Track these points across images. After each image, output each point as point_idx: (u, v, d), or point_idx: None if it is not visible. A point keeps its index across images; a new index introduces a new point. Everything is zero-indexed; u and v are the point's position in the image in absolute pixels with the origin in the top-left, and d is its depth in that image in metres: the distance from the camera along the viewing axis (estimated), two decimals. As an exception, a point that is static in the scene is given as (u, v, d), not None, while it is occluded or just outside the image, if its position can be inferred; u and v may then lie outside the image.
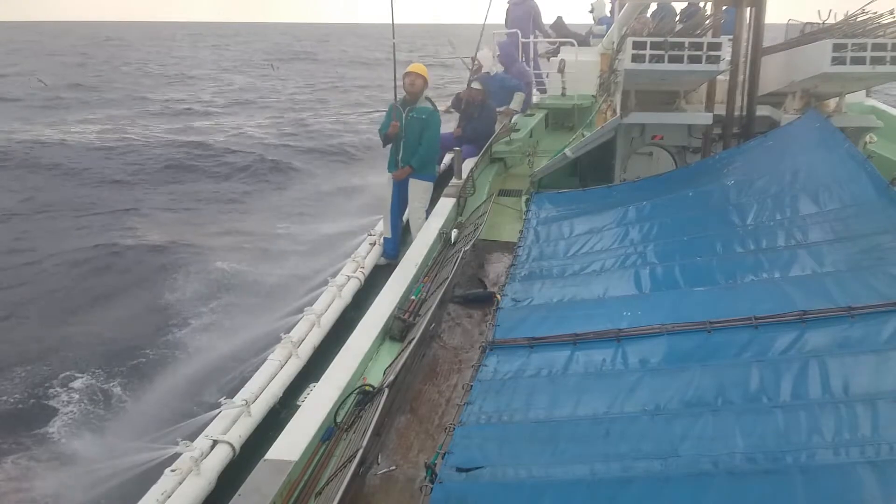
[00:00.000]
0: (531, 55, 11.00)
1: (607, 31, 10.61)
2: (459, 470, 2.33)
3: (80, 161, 14.43)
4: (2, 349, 6.18)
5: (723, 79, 5.62)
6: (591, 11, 12.52)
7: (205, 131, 18.45)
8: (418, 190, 6.26)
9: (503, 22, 11.26)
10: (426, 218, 6.04)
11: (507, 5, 11.41)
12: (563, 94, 9.77)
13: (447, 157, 8.11)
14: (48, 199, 11.59)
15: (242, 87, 31.05)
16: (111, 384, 5.54)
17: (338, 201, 11.31)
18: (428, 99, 6.21)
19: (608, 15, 12.02)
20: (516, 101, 9.06)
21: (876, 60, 4.84)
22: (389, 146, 6.27)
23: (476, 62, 9.08)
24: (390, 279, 4.59)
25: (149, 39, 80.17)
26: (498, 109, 8.62)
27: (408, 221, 6.57)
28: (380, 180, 6.65)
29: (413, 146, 6.09)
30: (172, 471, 3.01)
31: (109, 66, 41.24)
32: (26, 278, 8.06)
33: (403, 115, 6.06)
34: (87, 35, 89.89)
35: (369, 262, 6.04)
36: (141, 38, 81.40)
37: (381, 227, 6.57)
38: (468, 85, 8.15)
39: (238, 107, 24.23)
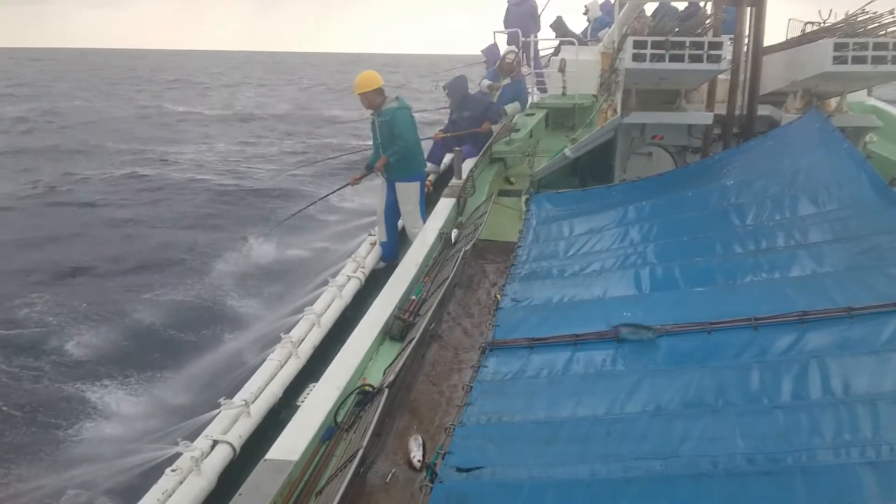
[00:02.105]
0: (531, 54, 11.02)
1: (603, 32, 10.67)
2: (459, 470, 2.33)
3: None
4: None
5: (724, 78, 5.62)
6: (586, 13, 12.56)
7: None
8: (405, 193, 6.31)
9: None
10: (423, 220, 6.04)
11: (507, 5, 11.44)
12: (564, 94, 9.76)
13: (447, 157, 8.12)
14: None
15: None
16: (111, 384, 5.55)
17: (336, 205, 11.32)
18: (397, 98, 6.26)
19: (602, 15, 12.09)
20: (510, 108, 9.03)
21: (877, 60, 4.83)
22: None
23: (515, 56, 9.09)
24: (390, 279, 4.59)
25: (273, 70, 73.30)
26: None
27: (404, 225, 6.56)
28: (373, 183, 6.69)
29: (388, 148, 6.18)
30: (173, 470, 3.01)
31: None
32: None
33: (376, 123, 6.21)
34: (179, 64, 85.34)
35: (369, 263, 6.04)
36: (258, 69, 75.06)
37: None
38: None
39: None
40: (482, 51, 10.77)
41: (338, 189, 7.99)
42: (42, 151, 17.46)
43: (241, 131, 23.04)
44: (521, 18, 11.16)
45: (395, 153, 6.16)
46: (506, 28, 11.09)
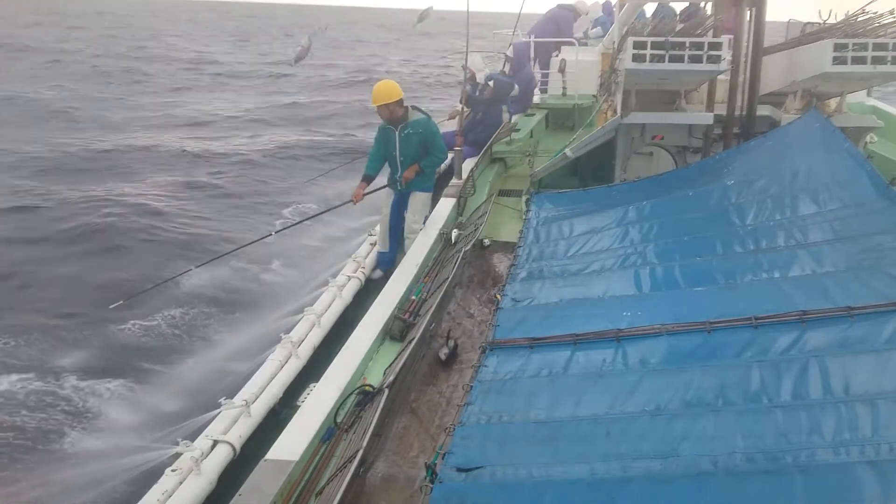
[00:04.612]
0: (530, 55, 11.01)
1: (603, 32, 10.69)
2: (459, 470, 2.34)
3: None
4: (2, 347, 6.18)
5: (723, 78, 5.62)
6: (587, 14, 12.60)
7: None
8: (418, 201, 5.92)
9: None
10: (422, 228, 5.90)
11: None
12: (564, 94, 9.76)
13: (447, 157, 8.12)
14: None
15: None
16: (111, 384, 5.54)
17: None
18: (417, 109, 5.83)
19: (602, 15, 12.12)
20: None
21: (877, 60, 4.84)
22: (387, 163, 5.94)
23: (468, 69, 9.05)
24: (391, 279, 4.60)
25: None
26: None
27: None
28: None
29: (414, 160, 5.75)
30: (173, 471, 3.01)
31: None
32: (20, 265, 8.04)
33: (397, 135, 5.69)
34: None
35: (369, 263, 6.01)
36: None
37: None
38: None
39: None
40: (511, 45, 10.71)
41: (338, 206, 6.82)
42: None
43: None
44: (541, 24, 11.21)
45: (433, 164, 5.83)
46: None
